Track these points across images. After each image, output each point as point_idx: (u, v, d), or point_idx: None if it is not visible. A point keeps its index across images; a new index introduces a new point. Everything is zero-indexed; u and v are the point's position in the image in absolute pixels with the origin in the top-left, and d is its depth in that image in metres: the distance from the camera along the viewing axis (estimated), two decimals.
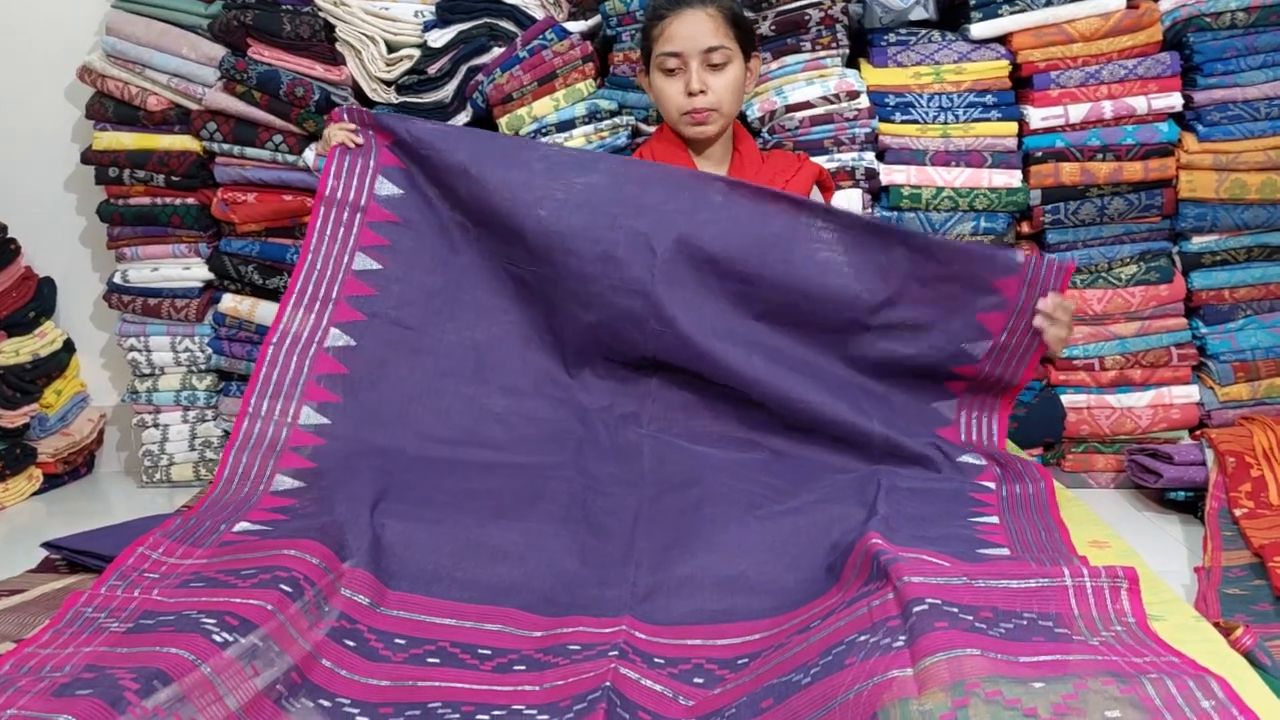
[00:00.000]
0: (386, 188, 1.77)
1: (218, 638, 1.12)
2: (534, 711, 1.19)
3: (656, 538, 1.49)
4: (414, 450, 1.64)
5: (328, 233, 1.75)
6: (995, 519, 1.49)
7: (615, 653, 1.27)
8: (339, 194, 1.75)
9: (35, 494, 2.23)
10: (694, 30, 1.70)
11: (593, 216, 1.67)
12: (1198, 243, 2.08)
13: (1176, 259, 2.10)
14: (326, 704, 1.18)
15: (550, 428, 1.68)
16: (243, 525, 1.45)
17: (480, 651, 1.30)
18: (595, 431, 1.68)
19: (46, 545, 1.52)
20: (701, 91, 1.70)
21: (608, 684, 1.19)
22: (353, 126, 1.76)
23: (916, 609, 1.14)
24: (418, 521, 1.46)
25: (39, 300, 2.30)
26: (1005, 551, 1.40)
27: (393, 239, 1.75)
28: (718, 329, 1.66)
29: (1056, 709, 0.98)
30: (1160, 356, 2.07)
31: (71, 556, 1.49)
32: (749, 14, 2.03)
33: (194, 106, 2.14)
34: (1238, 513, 1.70)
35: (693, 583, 1.41)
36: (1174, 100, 2.01)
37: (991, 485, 1.58)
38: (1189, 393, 2.07)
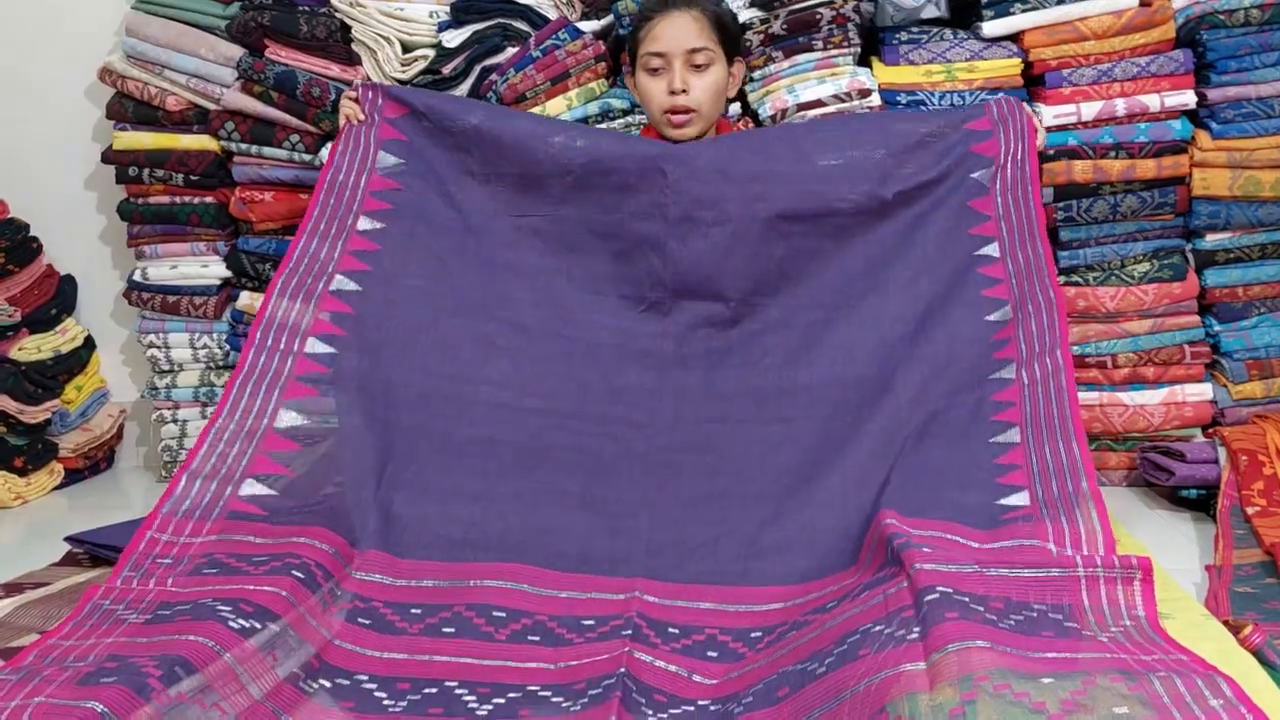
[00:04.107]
0: (387, 160, 1.82)
1: (235, 625, 1.14)
2: (549, 693, 1.21)
3: (669, 489, 1.50)
4: (420, 385, 1.63)
5: (330, 202, 1.79)
6: (1016, 436, 1.50)
7: (629, 632, 1.28)
8: (341, 174, 1.81)
9: (56, 488, 2.26)
10: (678, 31, 1.76)
11: (605, 154, 1.73)
12: (1211, 240, 2.07)
13: (1190, 256, 2.09)
14: (345, 682, 1.20)
15: (561, 365, 1.68)
16: (249, 489, 1.45)
17: (495, 614, 1.32)
18: (608, 372, 1.67)
19: (69, 539, 1.54)
20: (683, 90, 1.75)
21: (622, 670, 1.21)
22: (354, 95, 1.85)
23: (928, 598, 1.15)
24: (425, 491, 1.47)
25: (60, 298, 2.34)
26: (1025, 501, 1.40)
27: (395, 203, 1.80)
28: (738, 234, 1.69)
29: (1064, 704, 0.99)
30: (1173, 354, 2.07)
31: (93, 550, 1.52)
32: (760, 13, 2.04)
33: (212, 106, 2.16)
34: (1250, 511, 1.70)
35: (707, 543, 1.42)
36: (1187, 98, 2.01)
37: (1012, 376, 1.58)
38: (1202, 391, 2.07)
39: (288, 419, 1.56)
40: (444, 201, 1.80)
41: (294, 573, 1.26)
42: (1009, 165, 1.75)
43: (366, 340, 1.66)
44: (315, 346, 1.64)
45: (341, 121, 1.87)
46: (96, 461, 2.38)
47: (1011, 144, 1.75)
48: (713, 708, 1.21)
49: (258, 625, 1.15)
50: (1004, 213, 1.72)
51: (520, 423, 1.60)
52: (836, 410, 1.59)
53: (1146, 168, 2.02)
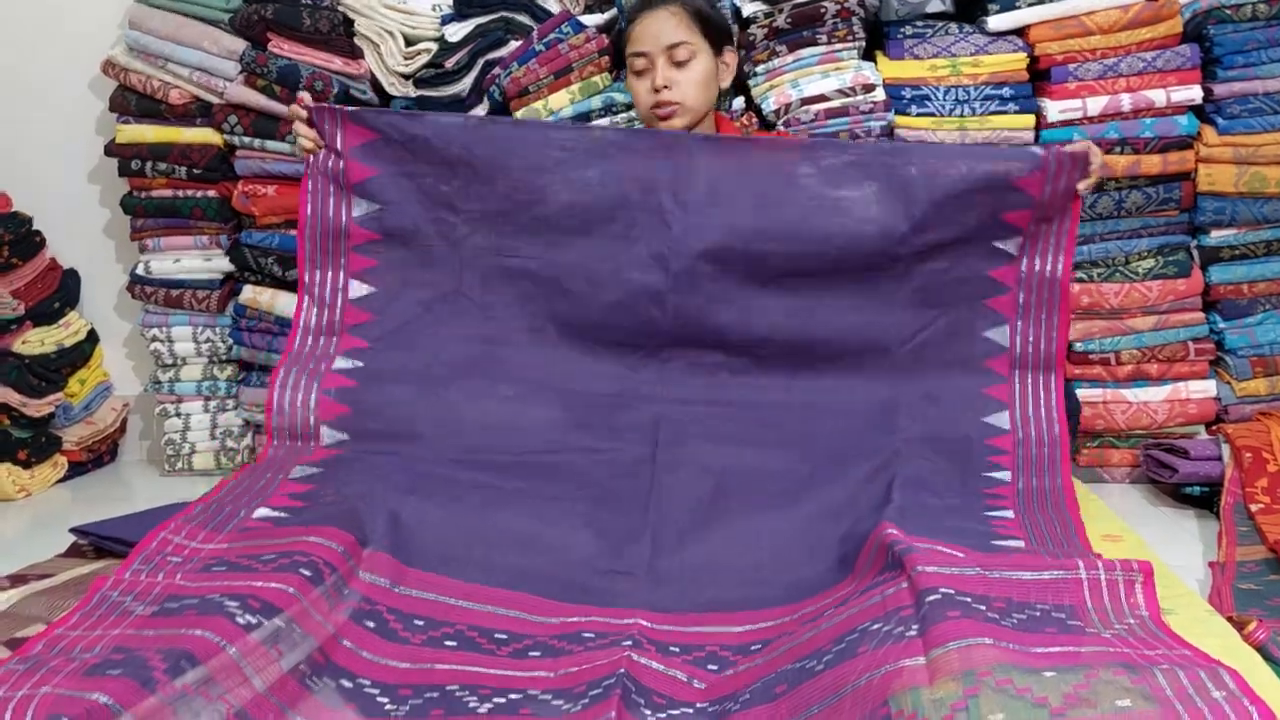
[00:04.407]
0: (361, 206, 1.75)
1: (241, 620, 1.14)
2: (549, 696, 1.21)
3: (671, 521, 1.51)
4: (429, 451, 1.64)
5: (319, 260, 1.77)
6: (1010, 513, 1.50)
7: (629, 642, 1.29)
8: (319, 226, 1.75)
9: (60, 481, 2.26)
10: (657, 29, 1.76)
11: (606, 195, 1.68)
12: (1216, 236, 2.07)
13: (1195, 253, 2.09)
14: (348, 684, 1.21)
15: (562, 417, 1.68)
16: (262, 512, 1.48)
17: (496, 636, 1.33)
18: (607, 416, 1.68)
19: (75, 531, 1.55)
20: (665, 87, 1.74)
21: (622, 670, 1.21)
22: (306, 118, 1.72)
23: (929, 598, 1.15)
24: (435, 505, 1.49)
25: (64, 291, 2.34)
26: (1021, 544, 1.40)
27: (380, 258, 1.76)
28: (741, 288, 1.67)
29: (1067, 698, 0.99)
30: (1177, 351, 2.07)
31: (98, 542, 1.52)
32: (764, 6, 2.04)
33: (215, 100, 2.16)
34: (1253, 508, 1.69)
35: (708, 572, 1.43)
36: (1193, 93, 2.01)
37: (1008, 478, 1.58)
38: (1206, 388, 2.06)
39: (303, 472, 1.61)
40: (427, 244, 1.75)
41: (301, 570, 1.26)
42: (1042, 239, 1.65)
43: (370, 414, 1.69)
44: (326, 436, 1.68)
45: (300, 152, 1.77)
46: (100, 455, 2.38)
47: (1053, 208, 1.63)
48: (711, 708, 1.21)
49: (262, 620, 1.15)
50: (1024, 300, 1.67)
51: (523, 464, 1.62)
52: (833, 455, 1.60)
53: (1152, 163, 2.02)
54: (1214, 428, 2.00)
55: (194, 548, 1.35)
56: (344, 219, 1.75)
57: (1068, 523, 1.48)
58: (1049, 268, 1.66)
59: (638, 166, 1.68)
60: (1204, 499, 1.86)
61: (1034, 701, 0.99)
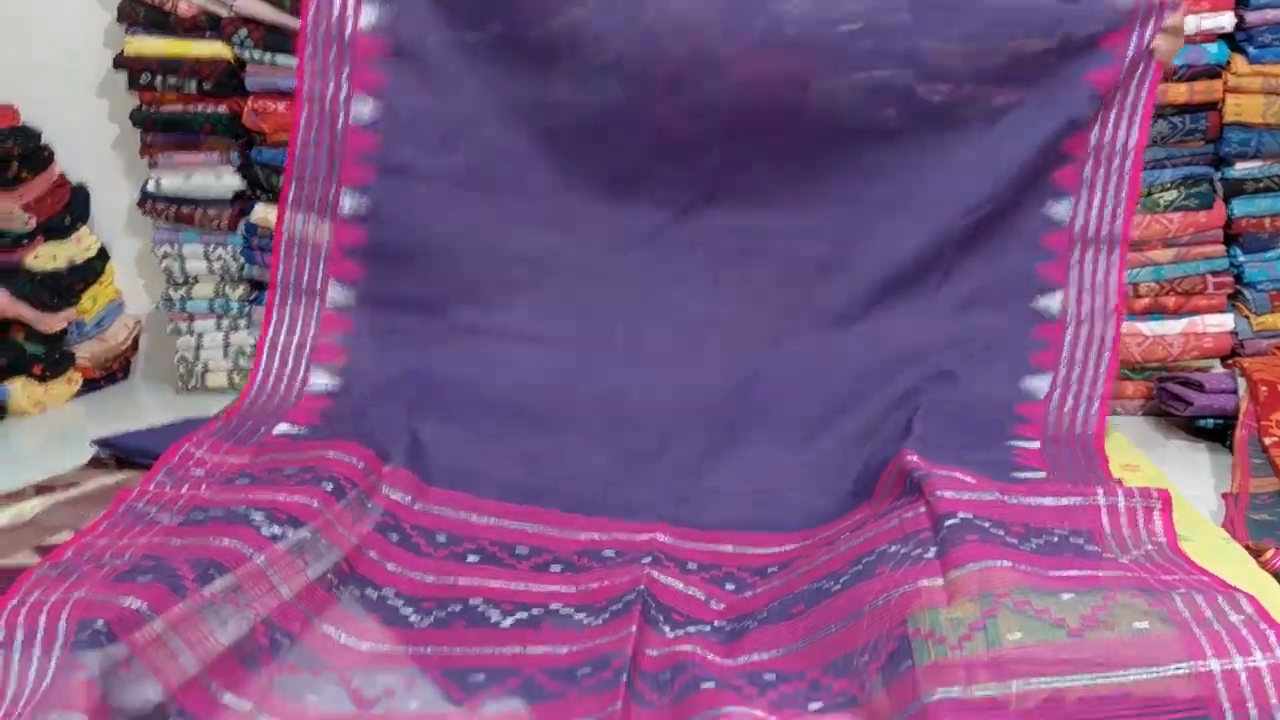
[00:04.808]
0: (370, 16, 1.61)
1: (266, 531, 1.16)
2: (570, 610, 1.23)
3: (693, 436, 1.50)
4: (443, 328, 1.60)
5: (320, 70, 1.63)
6: (1036, 443, 1.50)
7: (648, 559, 1.30)
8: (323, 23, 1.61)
9: (75, 397, 2.27)
10: None
11: (655, 38, 1.56)
12: (1240, 169, 2.04)
13: (1218, 185, 2.06)
14: (373, 595, 1.23)
15: (584, 295, 1.61)
16: (282, 427, 1.48)
17: (517, 551, 1.35)
18: (635, 300, 1.60)
19: (97, 442, 1.56)
20: None
21: (642, 587, 1.23)
22: None
23: (948, 522, 1.16)
24: (454, 424, 1.48)
25: (74, 206, 2.31)
26: (1042, 475, 1.41)
27: (390, 75, 1.60)
28: (791, 140, 1.57)
29: (1085, 619, 1.01)
30: (1196, 284, 2.05)
31: (121, 454, 1.53)
32: None
33: (224, 13, 2.11)
34: (1268, 441, 1.70)
35: (726, 493, 1.44)
36: (1225, 20, 1.96)
37: (1044, 387, 1.57)
38: (1223, 321, 2.06)
39: (321, 382, 1.58)
40: (439, 87, 1.61)
41: (324, 484, 1.28)
42: (1117, 105, 1.56)
43: (386, 269, 1.63)
44: (336, 293, 1.64)
45: None
46: (113, 372, 2.39)
47: (1133, 73, 1.53)
48: (729, 627, 1.23)
49: (288, 531, 1.17)
50: (1091, 172, 1.58)
51: (544, 363, 1.58)
52: (868, 346, 1.57)
53: (1178, 92, 1.98)
54: (1229, 361, 2.00)
55: (216, 460, 1.36)
56: (349, 26, 1.62)
57: (1092, 455, 1.47)
58: (1123, 138, 1.57)
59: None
60: (1217, 432, 1.87)
61: (1052, 622, 1.01)
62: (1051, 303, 1.58)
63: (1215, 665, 0.93)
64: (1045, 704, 0.95)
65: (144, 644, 0.97)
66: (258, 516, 1.18)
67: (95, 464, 1.54)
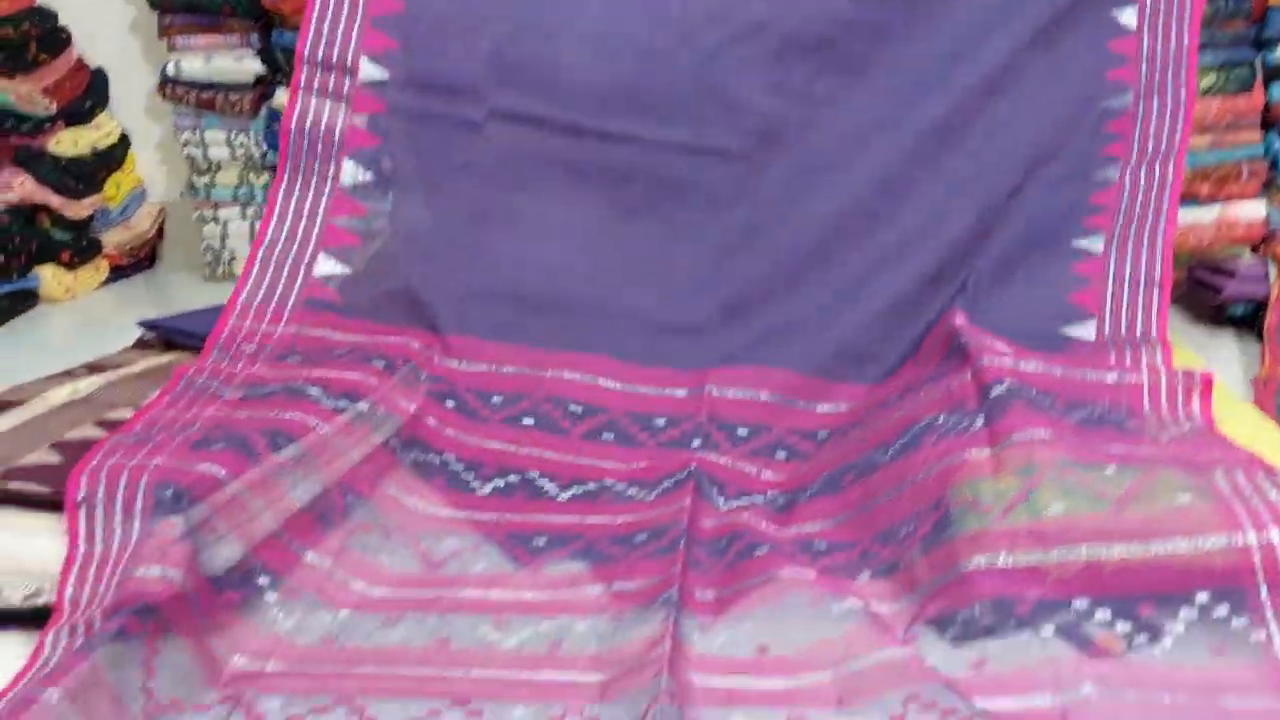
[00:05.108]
0: None
1: (328, 404, 1.18)
2: (624, 485, 1.26)
3: (746, 268, 1.47)
4: (487, 102, 1.51)
5: None
6: (1100, 248, 1.48)
7: (698, 441, 1.33)
8: None
9: (103, 285, 2.28)
10: None
11: None
12: None
13: (1259, 69, 2.03)
14: (435, 460, 1.26)
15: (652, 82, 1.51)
16: (321, 266, 1.44)
17: (571, 409, 1.36)
18: (700, 70, 1.51)
19: (143, 324, 1.57)
20: None
21: (694, 465, 1.26)
22: None
23: (994, 392, 1.18)
24: (504, 267, 1.46)
25: (93, 91, 2.28)
26: (1090, 335, 1.42)
27: None
28: None
29: (1127, 491, 1.03)
30: (1230, 171, 2.03)
31: (167, 335, 1.54)
32: None
33: None
34: None
35: (778, 342, 1.43)
36: None
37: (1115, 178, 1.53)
38: (1256, 209, 2.04)
39: (351, 174, 1.51)
40: None
41: (374, 361, 1.30)
42: None
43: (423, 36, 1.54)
44: (368, 70, 1.53)
45: None
46: (140, 259, 2.40)
47: None
48: (781, 499, 1.26)
49: (348, 404, 1.19)
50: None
51: (594, 176, 1.51)
52: (926, 197, 1.51)
53: None
54: (1261, 248, 2.00)
55: (265, 331, 1.37)
56: None
57: (1156, 267, 1.47)
58: None
59: None
60: (1246, 320, 1.88)
61: (1094, 495, 1.03)
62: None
63: (1252, 538, 0.96)
64: (1083, 573, 0.98)
65: (223, 505, 1.00)
66: (315, 391, 1.20)
67: (141, 345, 1.56)
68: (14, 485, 1.01)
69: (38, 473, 1.03)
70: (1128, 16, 1.58)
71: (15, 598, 0.98)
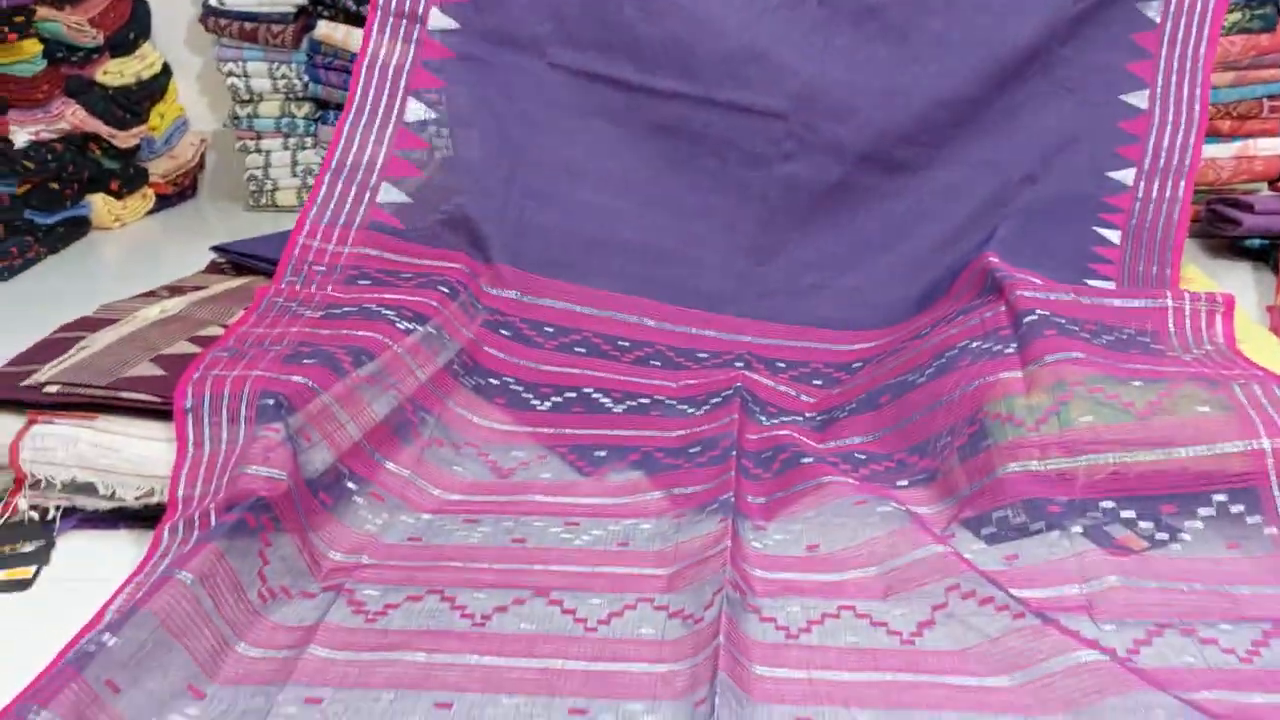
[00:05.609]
0: None
1: (400, 325, 1.26)
2: (674, 401, 1.34)
3: (777, 231, 1.58)
4: (546, 56, 1.59)
5: None
6: (1117, 234, 1.56)
7: (740, 364, 1.41)
8: None
9: (149, 213, 2.34)
10: None
11: None
12: None
13: None
14: (495, 382, 1.34)
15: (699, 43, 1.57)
16: (385, 194, 1.50)
17: (620, 343, 1.45)
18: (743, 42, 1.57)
19: (215, 249, 1.64)
20: None
21: (739, 384, 1.34)
22: None
23: (1027, 319, 1.25)
24: (556, 207, 1.55)
25: (135, 21, 2.32)
26: (1111, 285, 1.49)
27: None
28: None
29: (1151, 404, 1.11)
30: (1251, 108, 2.08)
31: (238, 259, 1.61)
32: None
33: None
34: None
35: (813, 291, 1.53)
36: None
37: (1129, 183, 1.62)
38: (1275, 145, 2.09)
39: (416, 112, 1.57)
40: None
41: (439, 287, 1.37)
42: None
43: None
44: (437, 19, 1.60)
45: None
46: (184, 189, 2.45)
47: None
48: (820, 417, 1.34)
49: (417, 326, 1.27)
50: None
51: (642, 129, 1.59)
52: (947, 169, 1.61)
53: None
54: (1278, 184, 2.05)
55: (333, 251, 1.44)
56: None
57: (1167, 262, 1.54)
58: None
59: None
60: (1262, 253, 1.94)
61: (1121, 406, 1.11)
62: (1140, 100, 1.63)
63: (1267, 444, 1.05)
64: (1110, 477, 1.07)
65: (316, 415, 1.08)
66: (389, 313, 1.28)
67: (213, 269, 1.63)
68: (124, 394, 1.10)
69: (143, 384, 1.11)
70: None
71: (129, 497, 1.08)
